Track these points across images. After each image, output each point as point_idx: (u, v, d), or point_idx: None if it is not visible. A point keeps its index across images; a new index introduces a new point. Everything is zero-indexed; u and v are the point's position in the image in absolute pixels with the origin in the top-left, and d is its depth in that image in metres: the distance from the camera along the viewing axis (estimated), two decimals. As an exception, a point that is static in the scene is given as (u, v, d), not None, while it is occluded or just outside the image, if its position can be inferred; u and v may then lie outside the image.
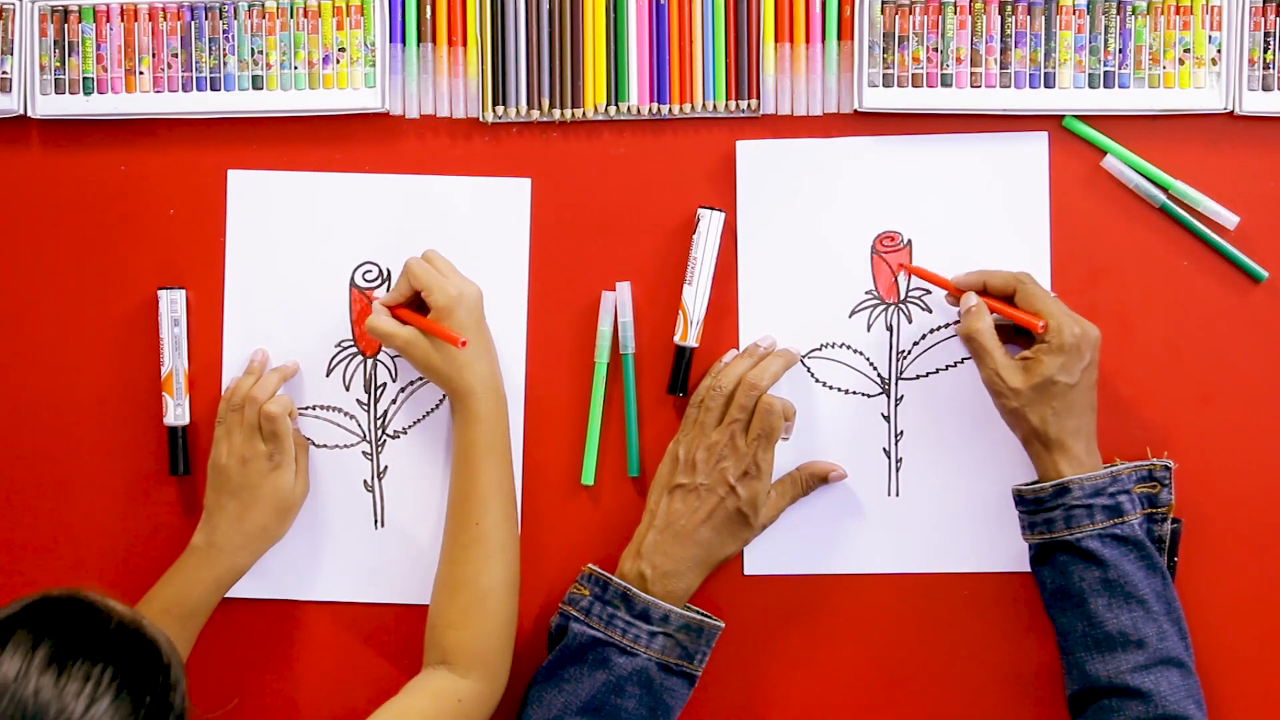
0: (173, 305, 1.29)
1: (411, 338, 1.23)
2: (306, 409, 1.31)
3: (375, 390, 1.31)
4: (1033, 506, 1.20)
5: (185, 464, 1.30)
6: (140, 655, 0.95)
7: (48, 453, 1.31)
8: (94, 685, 0.91)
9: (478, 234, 1.30)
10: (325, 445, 1.31)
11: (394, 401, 1.30)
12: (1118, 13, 1.28)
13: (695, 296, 1.27)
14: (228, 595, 1.27)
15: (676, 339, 1.27)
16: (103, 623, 0.96)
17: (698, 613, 1.22)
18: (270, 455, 1.25)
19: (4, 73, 1.30)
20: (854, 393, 1.29)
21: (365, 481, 1.31)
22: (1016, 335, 1.23)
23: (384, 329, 1.24)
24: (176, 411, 1.29)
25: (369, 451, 1.31)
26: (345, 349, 1.31)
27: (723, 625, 1.22)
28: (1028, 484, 1.21)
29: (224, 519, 1.25)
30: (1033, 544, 1.21)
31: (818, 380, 1.29)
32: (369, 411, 1.31)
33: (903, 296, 1.29)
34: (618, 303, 1.29)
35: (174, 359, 1.29)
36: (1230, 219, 1.27)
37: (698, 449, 1.22)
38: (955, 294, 1.25)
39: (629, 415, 1.29)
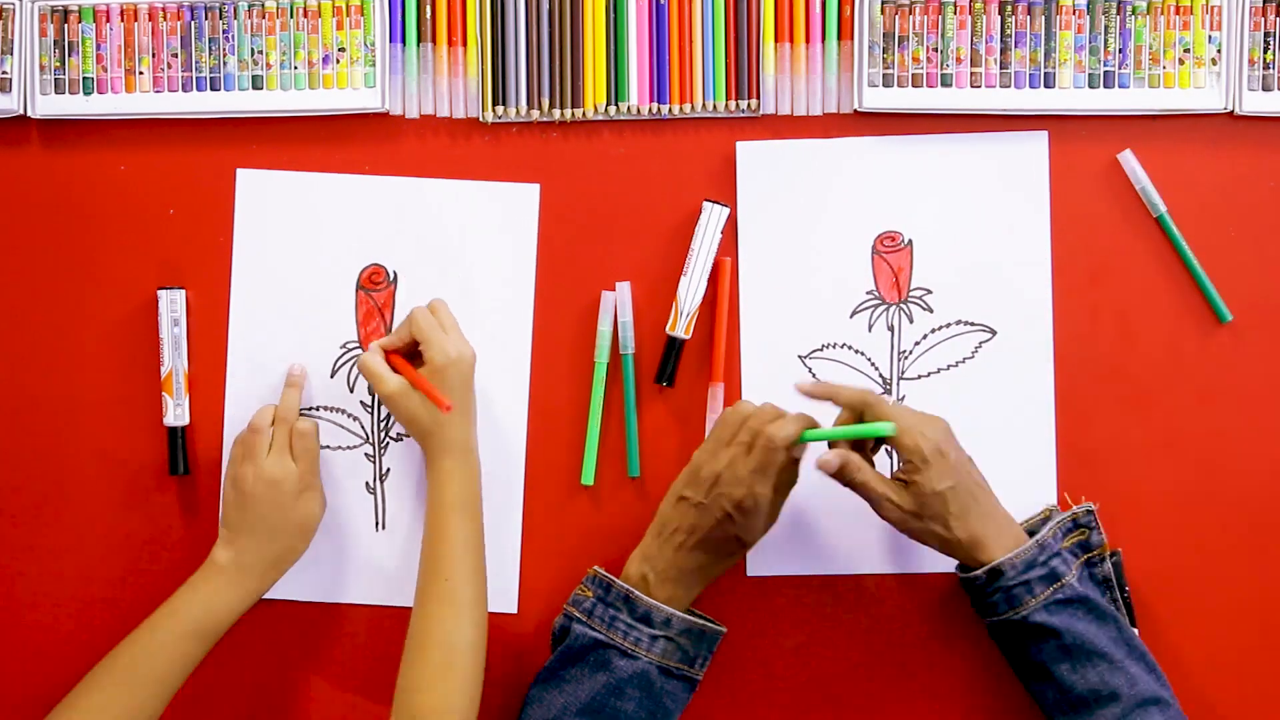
0: (172, 305, 1.29)
1: (400, 389, 1.23)
2: (311, 409, 1.30)
3: (379, 392, 1.31)
4: (974, 592, 1.19)
5: (185, 464, 1.29)
6: None
7: (47, 452, 1.31)
8: None
9: (485, 238, 1.30)
10: (328, 446, 1.30)
11: (397, 404, 1.30)
12: (1118, 13, 1.28)
13: (689, 288, 1.27)
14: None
15: (667, 329, 1.27)
16: None
17: (700, 617, 1.21)
18: (301, 477, 1.25)
19: (4, 73, 1.30)
20: (854, 393, 1.29)
21: (367, 483, 1.31)
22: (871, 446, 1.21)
23: (375, 371, 1.24)
24: (176, 412, 1.29)
25: (371, 454, 1.30)
26: (350, 350, 1.31)
27: (724, 630, 1.22)
28: (962, 571, 1.20)
29: (252, 542, 1.24)
30: (987, 623, 1.21)
31: (818, 380, 1.29)
32: (372, 414, 1.31)
33: (904, 296, 1.29)
34: (617, 303, 1.29)
35: (173, 359, 1.29)
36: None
37: (705, 465, 1.20)
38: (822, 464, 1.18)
39: (629, 415, 1.29)
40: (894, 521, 1.17)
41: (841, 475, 1.17)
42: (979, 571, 1.17)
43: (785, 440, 1.16)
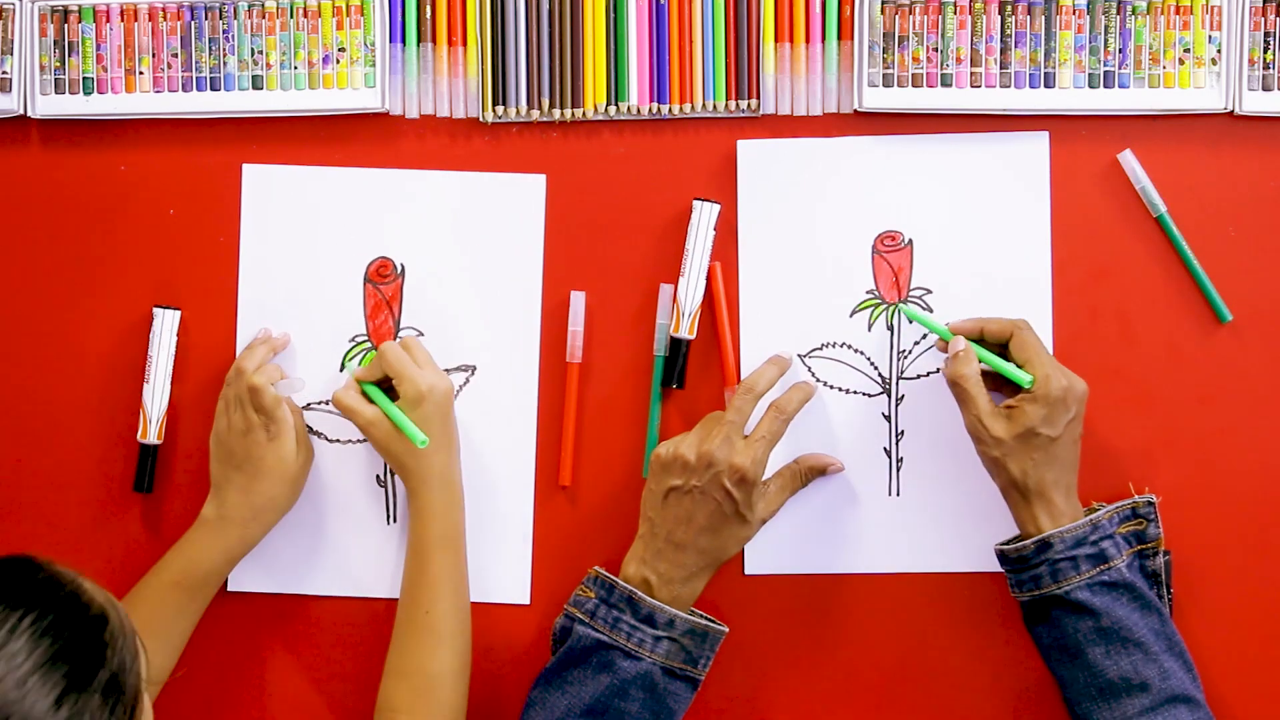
0: (166, 325, 1.28)
1: (375, 419, 1.23)
2: (321, 403, 1.30)
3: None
4: (1017, 565, 1.19)
5: (150, 482, 1.29)
6: (71, 610, 0.92)
7: (41, 452, 1.31)
8: (8, 633, 0.89)
9: (492, 229, 1.30)
10: (339, 440, 1.31)
11: (406, 398, 1.30)
12: (1118, 13, 1.28)
13: (688, 288, 1.27)
14: (238, 589, 1.28)
15: (671, 330, 1.28)
16: (33, 575, 0.93)
17: (703, 617, 1.21)
18: (266, 426, 1.24)
19: (4, 73, 1.30)
20: (855, 392, 1.29)
21: (378, 477, 1.31)
22: (1004, 383, 1.22)
23: (349, 404, 1.24)
24: (152, 430, 1.28)
25: None
26: (358, 343, 1.31)
27: (726, 630, 1.22)
28: (1009, 543, 1.20)
29: (231, 491, 1.25)
30: (1023, 601, 1.21)
31: (818, 380, 1.29)
32: None
33: (904, 296, 1.29)
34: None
35: (157, 378, 1.28)
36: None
37: (692, 449, 1.21)
38: (942, 346, 1.24)
39: (652, 414, 1.29)
40: (976, 437, 1.19)
41: (952, 364, 1.20)
42: (1029, 542, 1.17)
43: (794, 408, 1.23)
